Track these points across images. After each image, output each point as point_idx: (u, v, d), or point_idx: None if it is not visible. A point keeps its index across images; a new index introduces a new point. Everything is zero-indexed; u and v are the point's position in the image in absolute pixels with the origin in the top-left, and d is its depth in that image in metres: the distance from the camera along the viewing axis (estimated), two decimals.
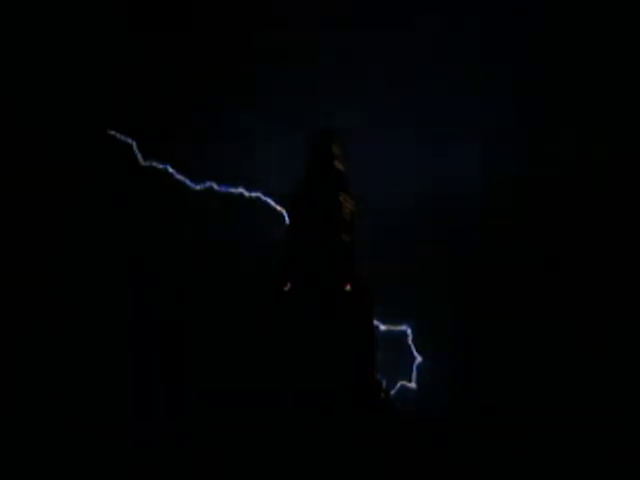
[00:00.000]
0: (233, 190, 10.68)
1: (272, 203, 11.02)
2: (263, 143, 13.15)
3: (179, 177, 10.35)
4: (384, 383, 11.64)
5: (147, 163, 10.28)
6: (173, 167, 10.31)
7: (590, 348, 9.96)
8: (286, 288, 11.51)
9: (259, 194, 10.97)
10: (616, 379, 9.96)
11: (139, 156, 10.24)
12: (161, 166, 10.31)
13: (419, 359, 10.85)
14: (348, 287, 11.64)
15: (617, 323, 9.99)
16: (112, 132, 9.91)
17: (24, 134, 9.88)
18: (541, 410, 10.11)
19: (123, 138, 10.11)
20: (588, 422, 10.11)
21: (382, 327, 11.26)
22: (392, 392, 11.45)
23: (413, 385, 10.90)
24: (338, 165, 12.62)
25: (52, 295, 9.72)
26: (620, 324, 9.96)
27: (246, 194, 10.80)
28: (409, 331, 10.98)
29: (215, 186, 10.59)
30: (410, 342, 11.01)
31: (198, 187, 10.44)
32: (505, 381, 9.91)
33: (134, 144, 10.17)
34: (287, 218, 11.32)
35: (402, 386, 11.07)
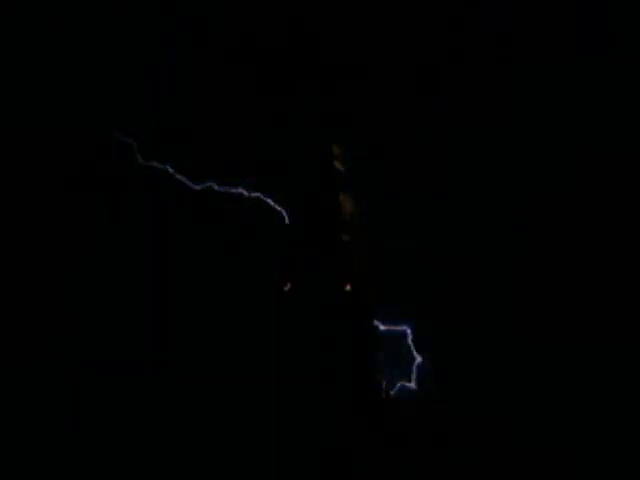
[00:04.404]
0: (233, 190, 10.71)
1: (272, 203, 11.03)
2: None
3: (179, 177, 10.41)
4: (384, 383, 11.64)
5: (147, 163, 10.34)
6: (173, 167, 10.37)
7: (589, 348, 10.03)
8: (286, 288, 11.52)
9: (259, 194, 10.98)
10: (616, 379, 10.03)
11: (139, 156, 10.32)
12: (161, 166, 10.37)
13: (419, 359, 10.86)
14: (348, 287, 11.65)
15: (616, 324, 10.04)
16: (114, 132, 10.00)
17: (23, 134, 9.98)
18: (542, 409, 10.18)
19: (123, 138, 10.19)
20: (588, 421, 10.19)
21: (382, 327, 11.25)
22: (392, 392, 11.47)
23: (413, 385, 10.91)
24: (338, 165, 12.62)
25: (51, 295, 9.83)
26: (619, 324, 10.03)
27: (246, 194, 10.81)
28: (409, 331, 11.01)
29: (215, 186, 10.62)
30: (410, 342, 11.02)
31: (198, 187, 10.48)
32: (505, 379, 9.97)
33: (134, 144, 10.25)
34: (287, 218, 11.31)
35: (402, 386, 11.09)
